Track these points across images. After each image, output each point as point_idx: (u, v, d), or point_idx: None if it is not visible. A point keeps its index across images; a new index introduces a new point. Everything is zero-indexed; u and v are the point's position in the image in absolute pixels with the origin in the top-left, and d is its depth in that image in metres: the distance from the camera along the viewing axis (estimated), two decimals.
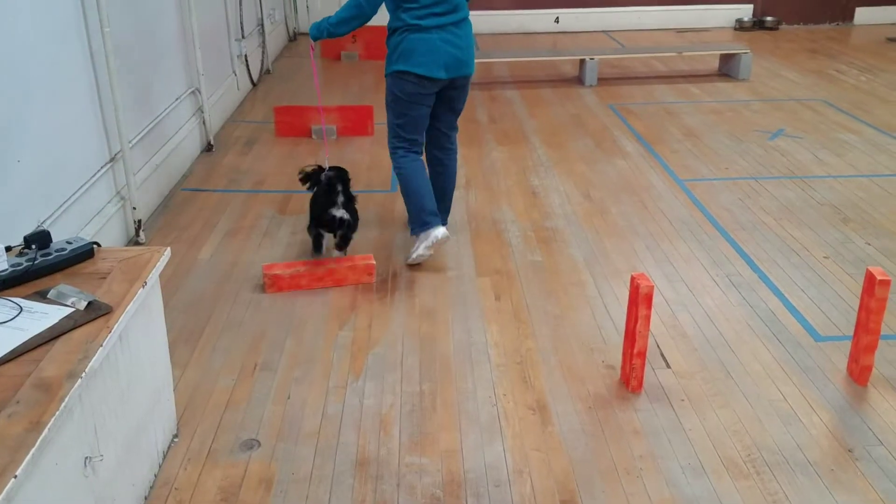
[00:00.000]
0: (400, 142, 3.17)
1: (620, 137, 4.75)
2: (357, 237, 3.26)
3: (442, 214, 3.30)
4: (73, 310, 1.71)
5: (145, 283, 1.87)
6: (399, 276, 3.10)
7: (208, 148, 4.57)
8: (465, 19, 3.05)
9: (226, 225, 3.59)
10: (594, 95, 5.72)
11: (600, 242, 3.36)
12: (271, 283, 2.99)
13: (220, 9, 5.18)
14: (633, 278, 2.25)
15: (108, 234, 3.15)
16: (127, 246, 3.36)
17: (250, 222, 3.62)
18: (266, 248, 3.36)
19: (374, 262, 3.09)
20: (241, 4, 5.58)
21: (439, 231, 3.07)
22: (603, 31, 8.07)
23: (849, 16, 8.08)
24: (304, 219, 3.63)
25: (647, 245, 3.33)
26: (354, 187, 3.38)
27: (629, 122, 5.04)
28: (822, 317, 2.74)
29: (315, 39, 3.11)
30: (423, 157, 3.27)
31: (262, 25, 6.30)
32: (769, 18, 7.94)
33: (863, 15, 8.06)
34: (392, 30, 3.01)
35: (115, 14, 3.28)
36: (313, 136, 4.81)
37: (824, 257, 3.17)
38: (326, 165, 3.29)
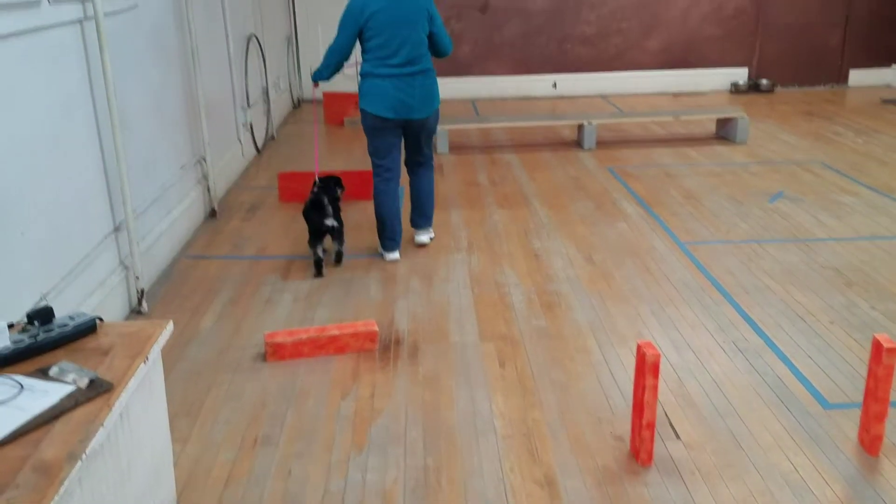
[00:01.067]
0: (375, 166, 3.87)
1: (620, 200, 4.79)
2: (359, 301, 3.27)
3: (420, 219, 4.06)
4: (74, 388, 1.69)
5: (147, 358, 1.86)
6: (402, 343, 3.08)
7: (212, 214, 4.61)
8: (423, 72, 3.65)
9: (228, 292, 3.58)
10: (593, 159, 5.79)
11: (605, 307, 3.35)
12: (273, 352, 2.97)
13: (227, 78, 5.29)
14: (639, 346, 2.23)
15: (111, 304, 3.15)
16: (129, 317, 3.35)
17: (253, 289, 3.62)
18: (268, 315, 3.35)
19: (377, 329, 3.08)
20: (246, 74, 5.71)
21: (391, 256, 3.91)
22: (600, 96, 8.23)
23: (843, 78, 8.24)
24: (307, 284, 3.64)
25: (651, 310, 3.31)
26: (357, 250, 3.43)
27: (629, 185, 5.08)
28: (830, 384, 2.71)
29: (314, 81, 3.89)
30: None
31: (268, 93, 6.43)
32: (764, 81, 8.10)
33: (857, 77, 8.23)
34: (360, 74, 3.73)
35: (123, 85, 3.35)
36: None
37: (830, 322, 3.15)
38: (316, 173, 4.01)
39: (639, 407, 2.25)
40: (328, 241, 3.82)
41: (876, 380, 2.20)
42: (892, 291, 3.39)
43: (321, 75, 3.79)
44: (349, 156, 6.06)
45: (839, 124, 6.58)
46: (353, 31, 3.63)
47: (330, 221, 3.74)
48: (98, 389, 1.70)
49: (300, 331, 3.06)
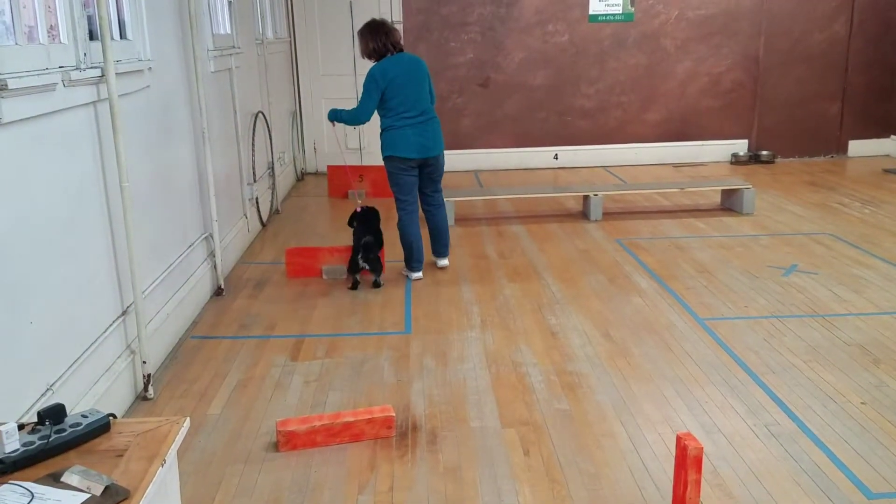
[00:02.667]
0: (399, 203, 4.65)
1: (633, 273, 4.73)
2: (372, 383, 3.16)
3: (441, 248, 4.89)
4: (88, 496, 1.57)
5: (164, 460, 1.74)
6: (420, 429, 2.96)
7: (218, 292, 4.52)
8: (430, 119, 4.55)
9: (236, 375, 3.46)
10: (600, 230, 5.76)
11: (628, 388, 3.24)
12: (285, 441, 2.84)
13: (234, 154, 5.29)
14: (679, 438, 2.12)
15: (117, 391, 3.03)
16: (135, 403, 3.22)
17: (261, 371, 3.50)
18: (278, 399, 3.23)
19: (394, 415, 2.96)
20: (253, 149, 5.72)
21: (416, 275, 4.73)
22: (602, 167, 8.28)
23: (842, 148, 8.34)
24: (317, 365, 3.53)
25: (677, 391, 3.20)
26: (367, 328, 3.39)
27: (639, 258, 5.04)
28: (871, 471, 2.59)
29: (330, 120, 4.69)
30: (420, 211, 4.75)
31: (273, 168, 6.43)
32: (764, 152, 8.19)
33: (856, 147, 8.33)
34: (382, 129, 4.55)
35: (134, 166, 3.32)
36: (324, 276, 4.77)
37: (862, 403, 3.04)
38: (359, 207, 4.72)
39: (680, 503, 2.13)
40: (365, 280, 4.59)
41: None
42: None
43: (339, 118, 4.59)
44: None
45: (843, 195, 6.60)
46: (378, 94, 4.42)
47: (367, 237, 4.52)
48: (114, 497, 1.58)
49: (313, 417, 2.93)
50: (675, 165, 8.21)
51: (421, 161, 4.53)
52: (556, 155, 8.35)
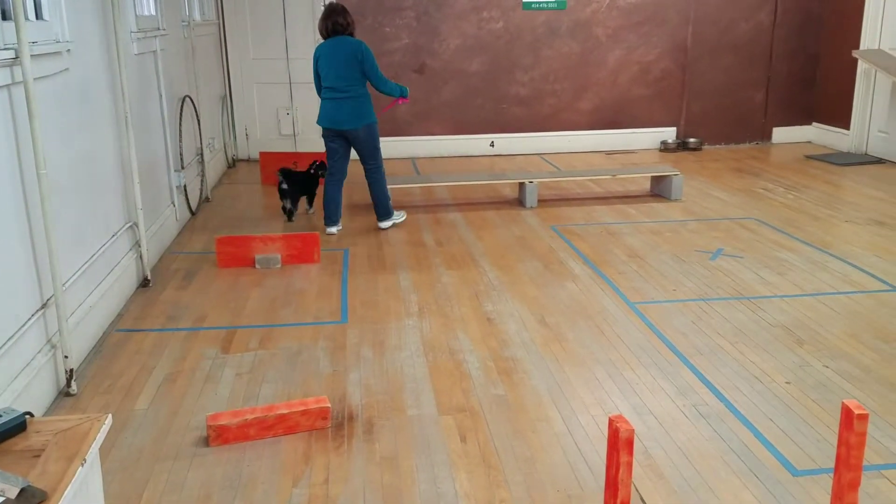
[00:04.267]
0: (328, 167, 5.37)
1: (567, 259, 4.78)
2: (307, 374, 3.12)
3: (377, 213, 5.47)
4: (2, 499, 1.49)
5: (85, 460, 1.66)
6: (356, 419, 2.92)
7: (144, 283, 4.37)
8: (346, 97, 5.07)
9: (164, 369, 3.36)
10: (536, 217, 5.81)
11: (562, 372, 3.28)
12: (216, 436, 2.76)
13: (160, 140, 5.11)
14: (611, 421, 2.15)
15: (37, 387, 2.89)
16: (57, 399, 3.08)
17: (191, 364, 3.40)
18: (209, 393, 3.14)
19: (329, 405, 2.91)
20: (180, 135, 5.53)
21: (328, 230, 5.36)
22: (537, 154, 8.35)
23: (767, 135, 8.63)
24: (250, 357, 3.45)
25: (609, 373, 3.26)
26: (302, 318, 3.51)
27: (573, 244, 5.10)
28: (796, 449, 2.69)
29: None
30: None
31: (202, 154, 6.25)
32: (692, 140, 8.40)
33: (779, 134, 8.63)
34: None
35: (52, 153, 3.16)
36: (257, 266, 4.67)
37: (786, 383, 3.15)
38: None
39: (612, 485, 2.16)
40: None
41: (848, 447, 2.17)
42: (841, 349, 3.45)
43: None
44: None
45: (768, 180, 6.83)
46: (315, 70, 5.28)
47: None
48: (31, 500, 1.50)
49: (245, 411, 2.86)
50: (608, 153, 8.34)
51: (336, 132, 5.15)
52: (493, 142, 8.37)
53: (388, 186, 6.00)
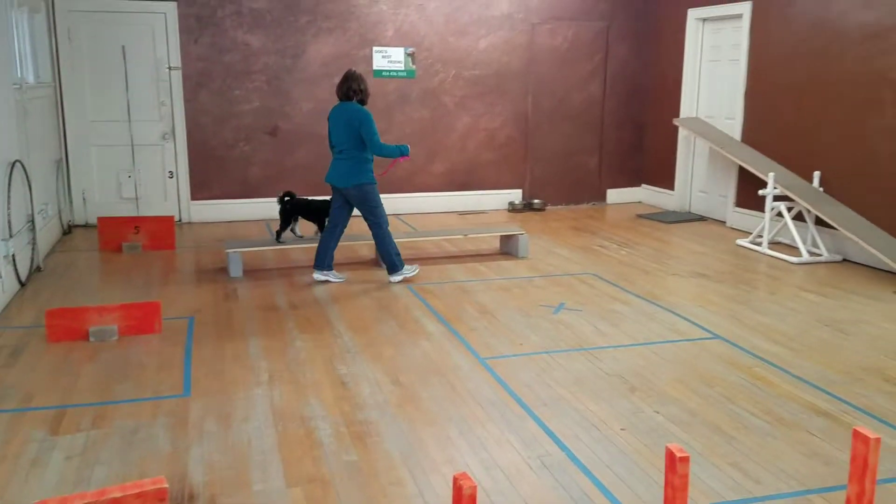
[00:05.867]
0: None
1: (422, 318, 4.87)
2: (145, 454, 2.93)
3: (386, 266, 5.78)
4: None
5: None
6: (197, 499, 2.78)
7: None
8: (342, 158, 5.50)
9: None
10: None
11: (415, 432, 3.30)
12: None
13: None
14: (455, 479, 2.19)
15: None
16: None
17: (16, 449, 3.12)
18: (35, 479, 2.89)
19: (167, 486, 2.75)
20: (9, 201, 5.16)
21: (314, 275, 5.75)
22: (394, 215, 8.49)
23: (602, 196, 9.28)
24: (82, 438, 3.22)
25: (460, 430, 3.32)
26: (140, 393, 3.10)
27: (428, 302, 5.20)
28: (631, 493, 2.85)
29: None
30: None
31: (33, 221, 5.84)
32: (536, 201, 8.88)
33: (613, 195, 9.31)
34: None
35: None
36: (91, 339, 4.38)
37: (621, 429, 3.35)
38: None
39: None
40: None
41: (673, 489, 2.34)
42: (670, 395, 3.71)
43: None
44: (128, 284, 5.62)
45: (604, 238, 7.33)
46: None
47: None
48: None
49: (74, 497, 2.64)
50: (460, 213, 8.64)
51: (335, 188, 5.61)
52: None
53: (241, 249, 5.88)
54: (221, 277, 5.86)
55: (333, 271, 5.76)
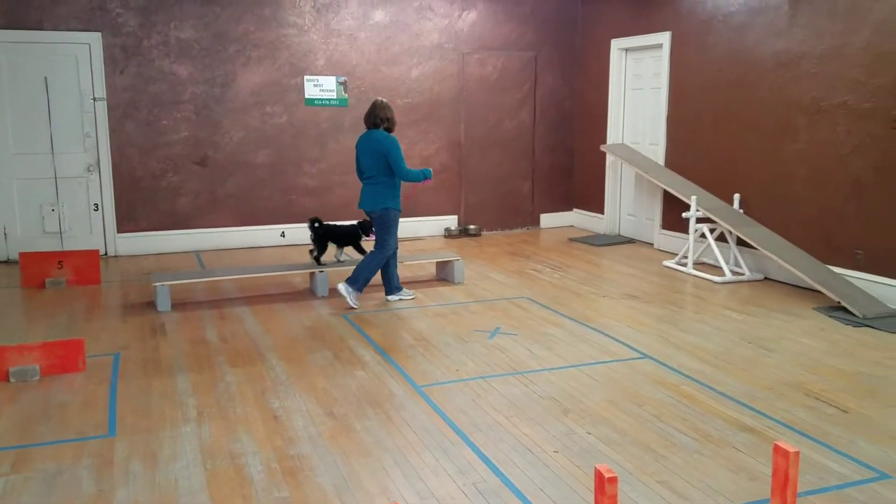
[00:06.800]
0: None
1: (357, 347, 4.83)
2: (66, 499, 2.80)
3: (348, 278, 5.87)
4: None
5: None
6: None
7: None
8: (369, 183, 5.79)
9: None
10: (327, 306, 5.84)
11: (349, 465, 3.26)
12: None
13: None
14: None
15: None
16: None
17: None
18: None
19: None
20: None
21: (388, 297, 6.08)
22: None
23: (535, 221, 9.44)
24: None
25: (395, 461, 3.30)
26: (63, 435, 2.97)
27: (364, 331, 5.17)
28: None
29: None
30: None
31: None
32: (472, 226, 8.97)
33: (546, 220, 9.48)
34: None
35: None
36: (11, 379, 4.19)
37: (554, 451, 3.39)
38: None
39: None
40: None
41: None
42: (601, 415, 3.78)
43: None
44: (51, 321, 5.41)
45: (537, 262, 7.44)
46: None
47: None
48: None
49: None
50: (399, 240, 8.63)
51: (365, 211, 5.89)
52: (283, 233, 8.34)
53: (169, 282, 5.75)
54: (149, 311, 5.70)
55: (404, 289, 6.10)
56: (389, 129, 5.79)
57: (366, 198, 5.82)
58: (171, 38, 7.68)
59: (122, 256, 7.75)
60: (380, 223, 5.82)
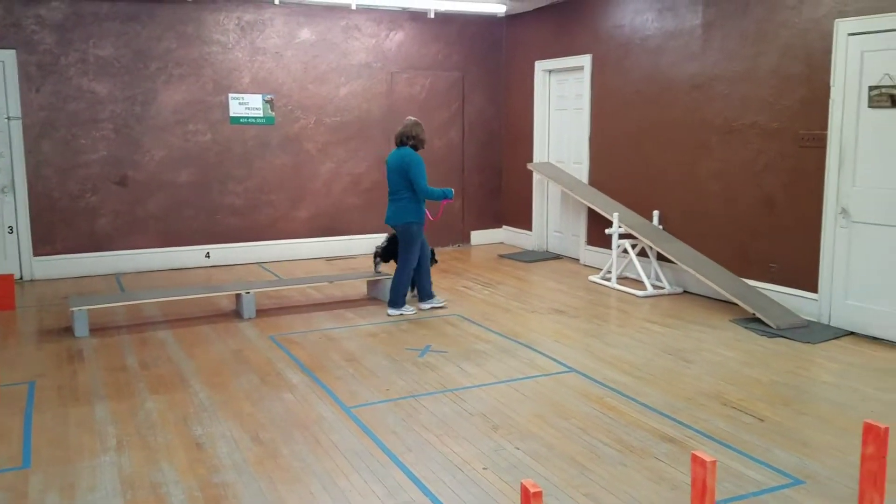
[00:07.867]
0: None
1: (285, 369, 4.76)
2: None
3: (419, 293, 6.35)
4: None
5: None
6: None
7: None
8: (395, 199, 6.02)
9: None
10: (254, 328, 5.74)
11: (275, 491, 3.21)
12: None
13: None
14: None
15: None
16: None
17: None
18: None
19: None
20: None
21: (420, 305, 6.30)
22: (257, 263, 8.31)
23: (467, 238, 9.54)
24: None
25: (323, 485, 3.26)
26: None
27: (292, 353, 5.11)
28: None
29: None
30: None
31: None
32: None
33: (477, 237, 9.59)
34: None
35: None
36: None
37: (483, 468, 3.42)
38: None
39: None
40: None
41: None
42: (530, 430, 3.84)
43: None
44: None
45: (468, 279, 7.51)
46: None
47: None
48: None
49: None
50: (328, 259, 8.58)
51: (391, 225, 6.12)
52: (208, 253, 8.17)
53: (87, 307, 5.54)
54: (66, 338, 5.49)
55: (436, 297, 6.35)
56: (416, 147, 6.03)
57: (391, 213, 6.07)
58: (90, 55, 7.46)
59: (38, 280, 7.44)
60: (403, 237, 6.05)
